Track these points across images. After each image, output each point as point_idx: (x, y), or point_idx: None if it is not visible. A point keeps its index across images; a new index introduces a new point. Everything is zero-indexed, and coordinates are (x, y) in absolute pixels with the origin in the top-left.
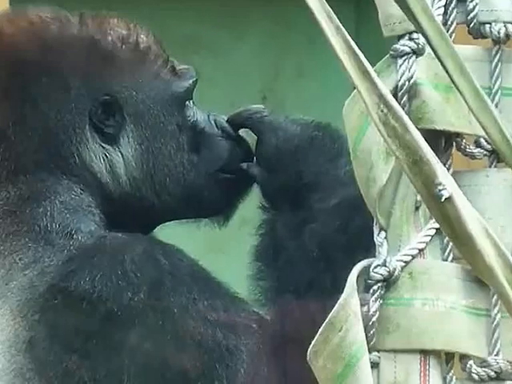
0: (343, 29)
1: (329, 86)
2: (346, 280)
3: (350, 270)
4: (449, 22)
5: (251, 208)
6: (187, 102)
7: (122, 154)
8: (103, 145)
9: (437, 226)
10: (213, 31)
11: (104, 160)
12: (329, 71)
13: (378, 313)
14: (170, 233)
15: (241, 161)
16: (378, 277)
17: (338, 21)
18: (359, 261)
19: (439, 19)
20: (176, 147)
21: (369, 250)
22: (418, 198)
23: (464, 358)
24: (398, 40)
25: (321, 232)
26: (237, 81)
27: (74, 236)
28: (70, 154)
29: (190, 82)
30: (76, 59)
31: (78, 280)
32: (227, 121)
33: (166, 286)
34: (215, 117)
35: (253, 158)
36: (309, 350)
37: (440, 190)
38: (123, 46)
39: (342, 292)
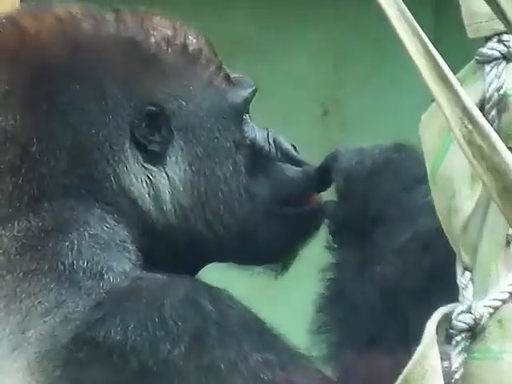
0: (419, 29)
1: (401, 96)
2: (422, 330)
3: (428, 317)
4: None
5: (315, 243)
6: (244, 116)
7: (168, 177)
8: (146, 165)
9: None
10: (264, 33)
11: (147, 183)
12: (401, 79)
13: (461, 368)
14: (219, 274)
15: (307, 192)
16: (462, 325)
17: (413, 20)
18: (439, 306)
19: None
20: (232, 169)
21: (450, 293)
22: (510, 231)
23: None
24: (486, 43)
25: (394, 274)
26: (292, 91)
27: (105, 277)
28: (106, 177)
29: (249, 91)
30: (114, 63)
31: (107, 329)
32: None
33: (212, 338)
34: (275, 135)
35: (320, 188)
36: None
37: None
38: (169, 49)
39: (417, 344)
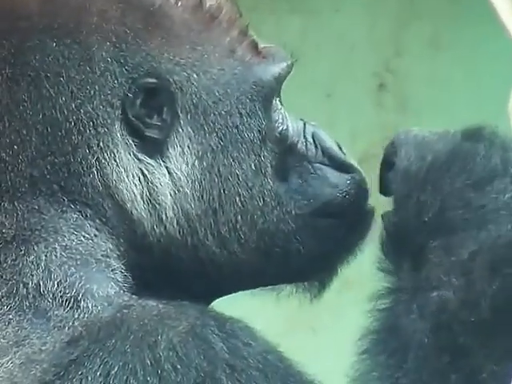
0: None
1: (479, 67)
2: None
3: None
4: None
5: (358, 264)
6: (274, 100)
7: (169, 173)
8: (141, 156)
9: None
10: None
11: (140, 181)
12: (480, 44)
13: None
14: (236, 301)
15: (353, 199)
16: None
17: None
18: None
19: None
20: (256, 168)
21: None
22: None
23: None
24: None
25: (439, 305)
26: (340, 58)
27: (82, 304)
28: (86, 169)
29: (282, 66)
30: (103, 17)
31: (83, 376)
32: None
33: None
34: (314, 129)
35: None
36: None
37: None
38: (178, 3)
39: None
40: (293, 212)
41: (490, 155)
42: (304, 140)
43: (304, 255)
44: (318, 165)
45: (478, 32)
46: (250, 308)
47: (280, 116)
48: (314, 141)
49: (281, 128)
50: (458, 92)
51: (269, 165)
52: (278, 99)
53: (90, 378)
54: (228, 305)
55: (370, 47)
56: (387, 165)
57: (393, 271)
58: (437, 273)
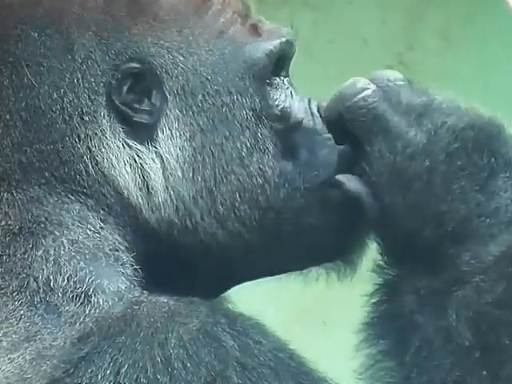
0: None
1: (488, 59)
2: None
3: None
4: None
5: (369, 256)
6: (273, 78)
7: (160, 157)
8: (130, 142)
9: None
10: None
11: (132, 167)
12: (488, 37)
13: None
14: (246, 294)
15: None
16: None
17: None
18: None
19: None
20: (252, 146)
21: None
22: None
23: None
24: None
25: (475, 307)
26: (348, 50)
27: (92, 299)
28: (78, 158)
29: (275, 43)
30: (84, 7)
31: (94, 372)
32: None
33: None
34: (318, 102)
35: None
36: None
37: None
38: None
39: None
40: (302, 187)
41: (497, 147)
42: (310, 115)
43: (319, 230)
44: (325, 135)
45: (490, 26)
46: (260, 302)
47: (282, 94)
48: (319, 114)
49: (282, 106)
50: (470, 86)
51: (269, 142)
52: (285, 78)
53: (99, 376)
54: (238, 299)
55: (383, 40)
56: (340, 132)
57: (396, 270)
58: (460, 274)
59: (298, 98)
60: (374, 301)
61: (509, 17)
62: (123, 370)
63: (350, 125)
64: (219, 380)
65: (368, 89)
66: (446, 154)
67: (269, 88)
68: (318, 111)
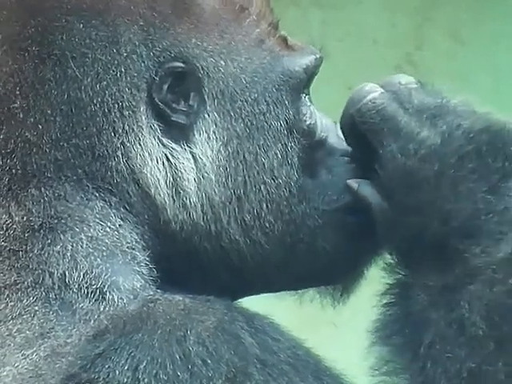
0: None
1: (497, 59)
2: None
3: None
4: None
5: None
6: (303, 95)
7: (194, 159)
8: (166, 141)
9: None
10: None
11: (164, 165)
12: (497, 37)
13: None
14: (259, 298)
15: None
16: None
17: None
18: None
19: None
20: (282, 157)
21: None
22: None
23: None
24: None
25: (488, 298)
26: (357, 50)
27: (108, 296)
28: (111, 152)
29: (311, 59)
30: (131, 0)
31: (110, 369)
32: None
33: (253, 381)
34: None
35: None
36: None
37: None
38: None
39: None
40: (320, 208)
41: (498, 154)
42: (336, 136)
43: (329, 254)
44: (347, 159)
45: (499, 26)
46: (270, 304)
47: (308, 111)
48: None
49: (309, 122)
50: (479, 85)
51: (295, 156)
52: (307, 96)
53: (117, 372)
54: (250, 301)
55: (392, 40)
56: (353, 137)
57: (405, 269)
58: (471, 271)
59: (321, 116)
60: (385, 301)
61: None
62: (141, 366)
63: (361, 127)
64: (240, 376)
65: (376, 91)
66: (458, 157)
67: (300, 103)
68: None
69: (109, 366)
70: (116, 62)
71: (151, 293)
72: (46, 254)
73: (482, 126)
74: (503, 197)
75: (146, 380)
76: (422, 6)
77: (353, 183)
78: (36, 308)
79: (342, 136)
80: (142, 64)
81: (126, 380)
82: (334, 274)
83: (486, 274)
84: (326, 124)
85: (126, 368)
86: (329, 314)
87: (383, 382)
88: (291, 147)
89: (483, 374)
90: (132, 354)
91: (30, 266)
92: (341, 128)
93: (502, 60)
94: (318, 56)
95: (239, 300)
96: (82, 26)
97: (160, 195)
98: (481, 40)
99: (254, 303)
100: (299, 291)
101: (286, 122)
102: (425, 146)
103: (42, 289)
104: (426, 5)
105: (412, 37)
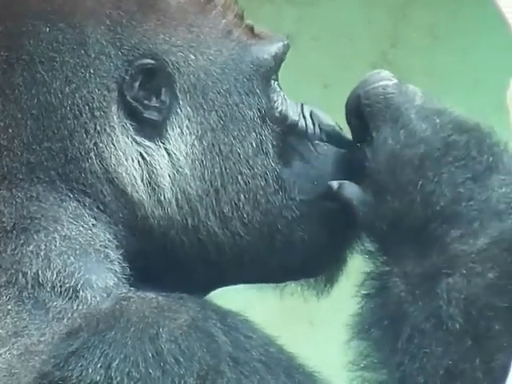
0: None
1: (474, 56)
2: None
3: None
4: None
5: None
6: (272, 81)
7: (169, 155)
8: (139, 139)
9: None
10: None
11: (140, 164)
12: (474, 33)
13: None
14: (236, 294)
15: (355, 180)
16: None
17: None
18: None
19: None
20: (257, 146)
21: None
22: None
23: None
24: None
25: (466, 291)
26: (333, 47)
27: (80, 294)
28: (84, 154)
29: (279, 45)
30: (97, 1)
31: (83, 368)
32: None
33: (225, 378)
34: (312, 109)
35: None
36: None
37: None
38: None
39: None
40: (297, 198)
41: (485, 147)
42: (303, 119)
43: (308, 244)
44: (317, 142)
45: (475, 22)
46: (247, 301)
47: (279, 97)
48: (312, 119)
49: (280, 108)
50: (456, 82)
51: (270, 144)
52: (276, 82)
53: (90, 370)
54: (226, 298)
55: (368, 37)
56: (355, 117)
57: (386, 259)
58: (450, 262)
59: (289, 102)
60: (364, 291)
61: (495, 13)
62: (114, 364)
63: (363, 109)
64: (212, 374)
65: (390, 80)
66: (445, 143)
67: (270, 90)
68: (311, 117)
69: (82, 364)
70: (84, 63)
71: (124, 291)
72: (20, 254)
73: (475, 126)
74: (486, 188)
75: (118, 378)
76: (398, 3)
77: (335, 183)
78: (9, 307)
79: (308, 118)
80: (111, 64)
81: (98, 378)
82: (313, 266)
83: (464, 266)
84: (296, 108)
85: (99, 366)
86: (305, 311)
87: (361, 377)
88: (265, 135)
89: (460, 372)
90: (105, 352)
91: (3, 266)
92: (345, 106)
93: (479, 57)
94: (285, 42)
95: (214, 292)
96: (48, 29)
97: (137, 192)
98: (457, 37)
99: (231, 300)
100: (280, 284)
101: (259, 111)
102: (415, 134)
103: (16, 288)
104: (402, 2)
105: (389, 34)
